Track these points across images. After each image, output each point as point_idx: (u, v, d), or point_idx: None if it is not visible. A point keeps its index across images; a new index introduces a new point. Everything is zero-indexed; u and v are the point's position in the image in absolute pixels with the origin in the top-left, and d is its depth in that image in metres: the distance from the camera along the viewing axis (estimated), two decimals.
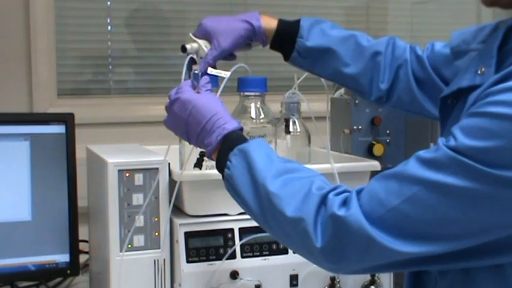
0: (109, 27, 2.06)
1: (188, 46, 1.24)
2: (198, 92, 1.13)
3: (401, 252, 0.85)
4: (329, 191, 0.92)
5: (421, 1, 2.39)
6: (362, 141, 1.61)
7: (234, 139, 1.05)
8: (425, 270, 0.99)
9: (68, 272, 1.47)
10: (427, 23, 2.40)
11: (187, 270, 1.26)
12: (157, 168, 1.27)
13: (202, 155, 1.23)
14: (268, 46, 1.28)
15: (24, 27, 1.85)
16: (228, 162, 1.03)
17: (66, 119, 1.45)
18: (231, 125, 1.07)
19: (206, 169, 1.34)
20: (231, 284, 1.28)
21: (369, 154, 1.60)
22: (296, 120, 1.49)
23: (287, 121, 1.49)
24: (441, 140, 0.85)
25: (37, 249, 1.43)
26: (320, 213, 0.90)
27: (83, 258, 1.58)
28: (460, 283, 0.93)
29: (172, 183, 1.28)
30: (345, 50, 1.24)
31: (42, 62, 1.87)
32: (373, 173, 1.45)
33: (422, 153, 0.86)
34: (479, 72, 0.92)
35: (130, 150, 1.45)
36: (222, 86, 1.19)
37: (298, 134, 1.49)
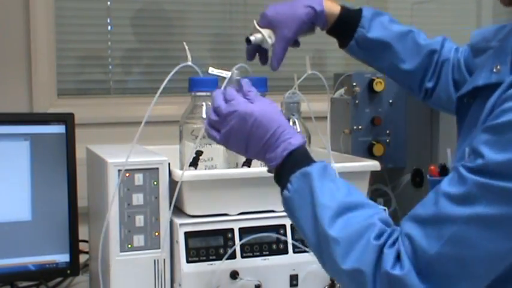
0: (109, 27, 2.06)
1: (252, 38, 1.26)
2: (247, 99, 1.07)
3: None
4: (385, 242, 0.89)
5: (421, 1, 2.38)
6: (362, 141, 1.61)
7: (299, 158, 1.01)
8: None
9: (68, 272, 1.47)
10: (427, 23, 2.40)
11: (187, 270, 1.26)
12: (157, 168, 1.27)
13: (198, 154, 1.23)
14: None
15: (24, 27, 1.85)
16: (289, 185, 0.99)
17: (66, 119, 1.45)
18: (296, 140, 1.02)
19: (206, 169, 1.34)
20: (231, 284, 1.28)
21: (369, 154, 1.60)
22: (296, 120, 1.48)
23: None
24: (462, 167, 0.82)
25: (37, 249, 1.43)
26: (378, 268, 0.88)
27: (83, 258, 1.58)
28: None
29: (172, 183, 1.28)
30: (403, 46, 1.27)
31: (42, 62, 1.87)
32: (373, 173, 1.45)
33: (447, 188, 0.84)
34: (494, 70, 0.91)
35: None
36: (223, 86, 1.19)
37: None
